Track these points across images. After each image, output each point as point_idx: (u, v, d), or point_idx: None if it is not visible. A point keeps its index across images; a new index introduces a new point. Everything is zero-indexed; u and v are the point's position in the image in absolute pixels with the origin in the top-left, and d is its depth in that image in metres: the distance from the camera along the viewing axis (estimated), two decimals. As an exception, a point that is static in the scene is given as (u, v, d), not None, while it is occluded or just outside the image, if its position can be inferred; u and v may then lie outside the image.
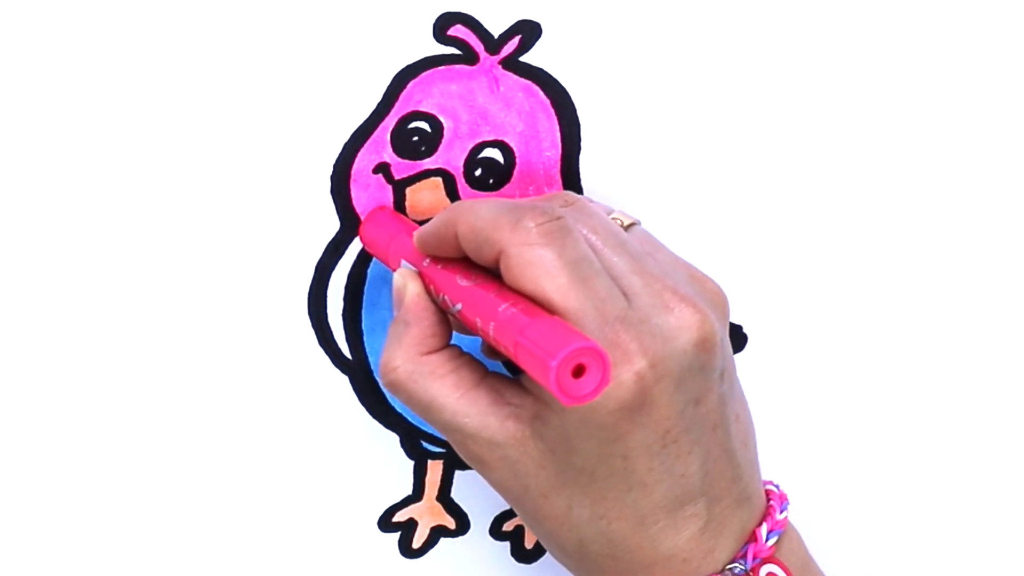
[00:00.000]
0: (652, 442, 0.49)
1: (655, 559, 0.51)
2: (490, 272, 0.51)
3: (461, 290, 0.51)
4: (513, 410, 0.51)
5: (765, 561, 0.51)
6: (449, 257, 0.52)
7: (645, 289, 0.49)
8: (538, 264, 0.48)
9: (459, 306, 0.51)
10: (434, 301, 0.53)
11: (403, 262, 0.54)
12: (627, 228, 0.53)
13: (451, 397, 0.51)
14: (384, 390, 0.60)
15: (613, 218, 0.53)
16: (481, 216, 0.50)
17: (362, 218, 0.58)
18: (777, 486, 0.54)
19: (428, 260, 0.53)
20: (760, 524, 0.52)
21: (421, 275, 0.53)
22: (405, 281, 0.53)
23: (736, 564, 0.51)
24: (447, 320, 0.53)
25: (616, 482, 0.50)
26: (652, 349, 0.48)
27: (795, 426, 0.63)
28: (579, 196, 0.53)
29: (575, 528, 0.51)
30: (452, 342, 0.53)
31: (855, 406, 0.63)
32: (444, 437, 0.53)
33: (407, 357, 0.52)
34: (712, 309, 0.50)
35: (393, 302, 0.54)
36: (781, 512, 0.53)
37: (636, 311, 0.49)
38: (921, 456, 0.64)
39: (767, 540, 0.52)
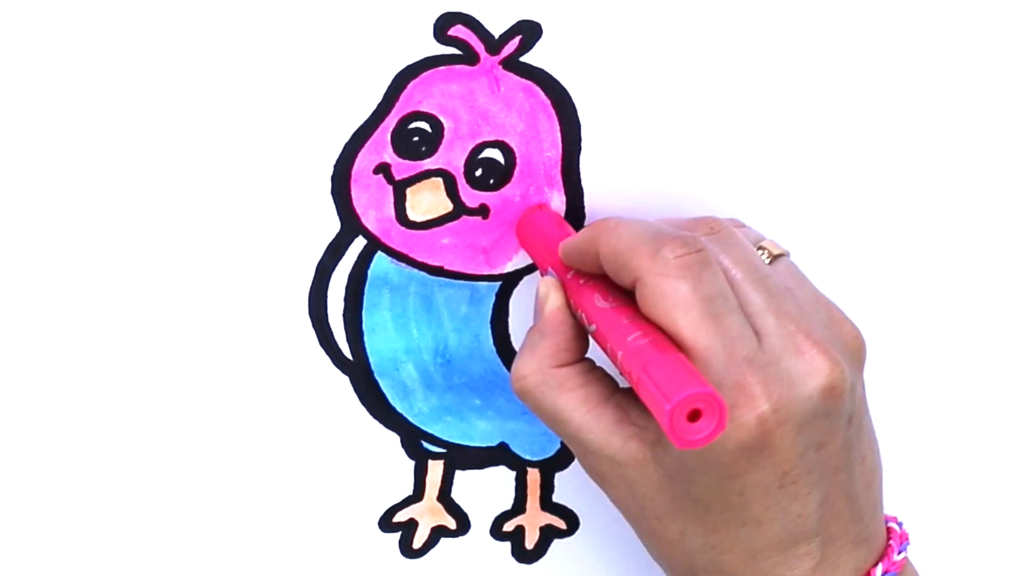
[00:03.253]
0: (770, 483, 0.49)
1: None
2: (629, 295, 0.50)
3: (598, 311, 0.51)
4: (637, 431, 0.51)
5: None
6: (592, 273, 0.52)
7: (778, 330, 0.49)
8: (672, 297, 0.48)
9: (594, 327, 0.51)
10: (573, 315, 0.53)
11: (550, 270, 0.54)
12: (774, 258, 0.53)
13: (577, 412, 0.51)
14: (384, 390, 0.60)
15: (761, 246, 0.53)
16: (623, 239, 0.50)
17: (368, 224, 0.58)
18: (900, 524, 0.54)
19: (572, 272, 0.53)
20: (876, 565, 0.52)
21: (564, 286, 0.53)
22: (548, 291, 0.54)
23: None
24: (584, 334, 0.53)
25: (731, 516, 0.50)
26: (777, 392, 0.48)
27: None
28: (726, 223, 0.53)
29: (687, 554, 0.51)
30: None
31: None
32: (570, 448, 0.53)
33: (538, 368, 0.52)
34: (845, 354, 0.50)
35: (535, 309, 0.54)
36: (899, 552, 0.52)
37: (766, 352, 0.49)
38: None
39: None
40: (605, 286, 0.52)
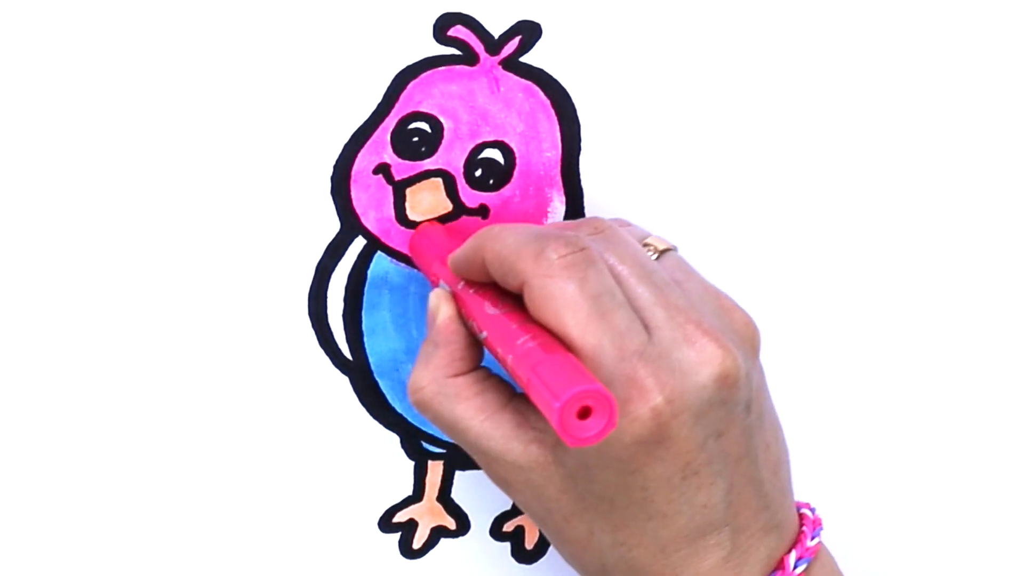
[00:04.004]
0: (672, 474, 0.49)
1: None
2: (519, 300, 0.51)
3: (488, 318, 0.51)
4: (537, 435, 0.51)
5: None
6: (482, 282, 0.52)
7: (667, 322, 0.49)
8: (558, 297, 0.48)
9: (485, 334, 0.51)
10: (465, 324, 0.53)
11: (441, 282, 0.54)
12: (661, 253, 0.53)
13: (475, 420, 0.51)
14: (384, 391, 0.60)
15: (647, 243, 0.53)
16: (507, 244, 0.50)
17: (368, 224, 0.58)
18: (812, 510, 0.54)
19: (463, 283, 0.53)
20: (789, 551, 0.52)
21: (455, 297, 0.53)
22: (439, 302, 0.53)
23: None
24: (478, 343, 0.53)
25: (636, 511, 0.50)
26: (670, 384, 0.48)
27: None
28: (610, 223, 0.53)
29: (597, 553, 0.51)
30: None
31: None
32: (465, 451, 0.53)
33: (433, 378, 0.52)
34: (738, 342, 0.50)
35: (427, 322, 0.54)
36: (812, 538, 0.52)
37: (656, 345, 0.48)
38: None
39: (795, 568, 0.51)
40: (495, 294, 0.52)
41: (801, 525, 0.53)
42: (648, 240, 0.53)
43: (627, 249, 0.51)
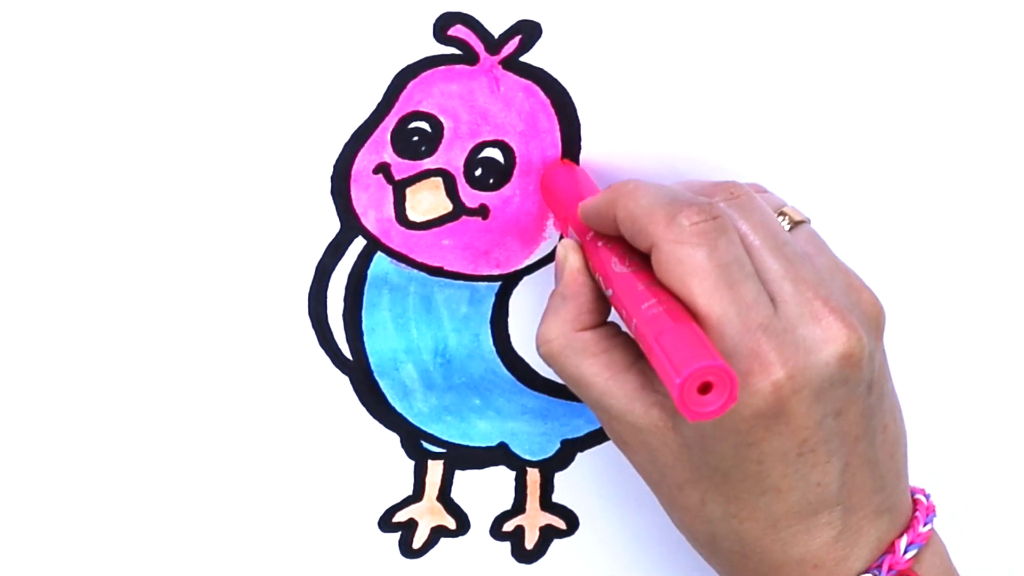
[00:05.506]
0: (788, 450, 0.49)
1: (785, 562, 0.51)
2: (647, 258, 0.50)
3: (614, 275, 0.51)
4: (659, 399, 0.51)
5: (901, 574, 0.51)
6: (611, 236, 0.52)
7: (795, 296, 0.49)
8: (687, 264, 0.48)
9: (611, 291, 0.51)
10: (593, 277, 0.53)
11: (570, 230, 0.54)
12: (795, 225, 0.52)
13: (600, 377, 0.51)
14: (383, 390, 0.60)
15: (783, 212, 0.53)
16: (640, 204, 0.50)
17: (368, 224, 0.58)
18: (927, 496, 0.53)
19: (591, 234, 0.53)
20: (900, 536, 0.51)
21: (584, 248, 0.53)
22: (567, 252, 0.53)
23: (870, 574, 0.51)
24: (604, 297, 0.52)
25: (750, 485, 0.50)
26: (792, 360, 0.48)
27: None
28: (746, 188, 0.52)
29: (707, 522, 0.51)
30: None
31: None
32: (591, 411, 0.53)
33: (561, 331, 0.52)
34: (864, 321, 0.50)
35: (555, 271, 0.54)
36: (925, 524, 0.52)
37: (781, 319, 0.48)
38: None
39: (905, 552, 0.51)
40: (623, 249, 0.51)
41: (915, 510, 0.52)
42: (784, 209, 0.53)
43: (761, 218, 0.51)
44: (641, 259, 0.50)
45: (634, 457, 0.52)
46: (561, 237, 0.55)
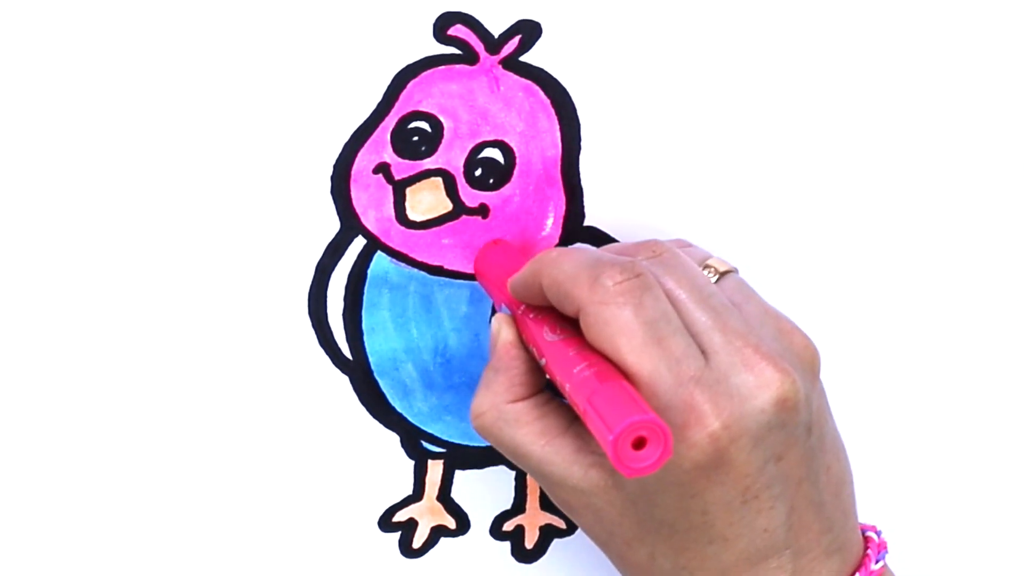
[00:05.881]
0: (732, 499, 0.49)
1: None
2: (577, 325, 0.50)
3: (547, 344, 0.51)
4: (596, 459, 0.51)
5: None
6: (542, 306, 0.52)
7: (725, 346, 0.49)
8: (614, 324, 0.48)
9: (544, 360, 0.51)
10: (526, 349, 0.53)
11: (503, 306, 0.55)
12: (721, 276, 0.53)
13: (536, 444, 0.52)
14: (383, 390, 0.60)
15: (708, 265, 0.53)
16: (563, 270, 0.50)
17: (368, 224, 0.58)
18: (879, 532, 0.54)
19: (523, 307, 0.53)
20: (852, 574, 0.52)
21: (516, 321, 0.53)
22: (500, 326, 0.54)
23: None
24: (539, 368, 0.53)
25: (697, 535, 0.50)
26: (727, 409, 0.48)
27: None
28: (669, 245, 0.52)
29: None
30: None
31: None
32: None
33: (493, 404, 0.52)
34: (797, 365, 0.50)
35: (489, 345, 0.54)
36: (877, 561, 0.52)
37: (713, 370, 0.49)
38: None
39: None
40: (554, 319, 0.52)
41: (866, 548, 0.53)
42: (709, 262, 0.53)
43: (685, 272, 0.51)
44: (572, 326, 0.51)
45: (581, 520, 0.52)
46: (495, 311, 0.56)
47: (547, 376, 0.52)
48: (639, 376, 0.48)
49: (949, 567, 0.64)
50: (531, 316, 0.52)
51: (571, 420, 0.52)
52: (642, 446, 0.45)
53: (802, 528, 0.50)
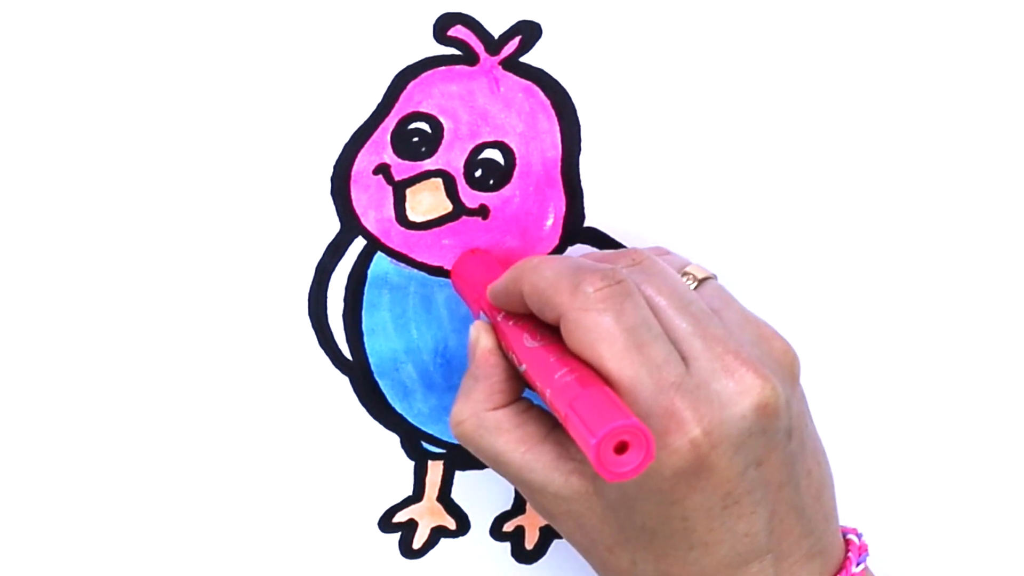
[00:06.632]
0: (712, 504, 0.49)
1: None
2: (557, 332, 0.51)
3: (526, 351, 0.51)
4: (577, 466, 0.51)
5: None
6: (521, 313, 0.52)
7: (705, 353, 0.49)
8: (594, 330, 0.49)
9: (524, 366, 0.51)
10: (505, 356, 0.53)
11: (481, 314, 0.55)
12: (699, 283, 0.53)
13: (516, 452, 0.52)
14: (384, 391, 0.60)
15: (687, 272, 0.53)
16: (544, 277, 0.50)
17: (368, 225, 0.58)
18: (859, 535, 0.54)
19: (502, 314, 0.53)
20: None
21: (496, 328, 0.53)
22: (478, 334, 0.54)
23: None
24: (518, 375, 0.53)
25: (677, 541, 0.50)
26: (708, 416, 0.48)
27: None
28: (648, 253, 0.53)
29: None
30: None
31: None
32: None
33: (473, 412, 0.53)
34: (777, 370, 0.50)
35: (468, 354, 0.54)
36: (857, 564, 0.52)
37: (693, 376, 0.49)
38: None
39: None
40: (534, 326, 0.52)
41: (847, 551, 0.53)
42: (688, 269, 0.53)
43: (665, 280, 0.51)
44: (551, 333, 0.51)
45: (562, 527, 0.52)
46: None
47: (526, 383, 0.52)
48: (620, 382, 0.48)
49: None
50: (510, 323, 0.53)
51: (551, 427, 0.52)
52: (624, 451, 0.45)
53: (783, 532, 0.50)
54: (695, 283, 0.53)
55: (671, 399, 0.48)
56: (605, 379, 0.48)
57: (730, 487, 0.49)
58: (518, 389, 0.53)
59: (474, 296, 0.56)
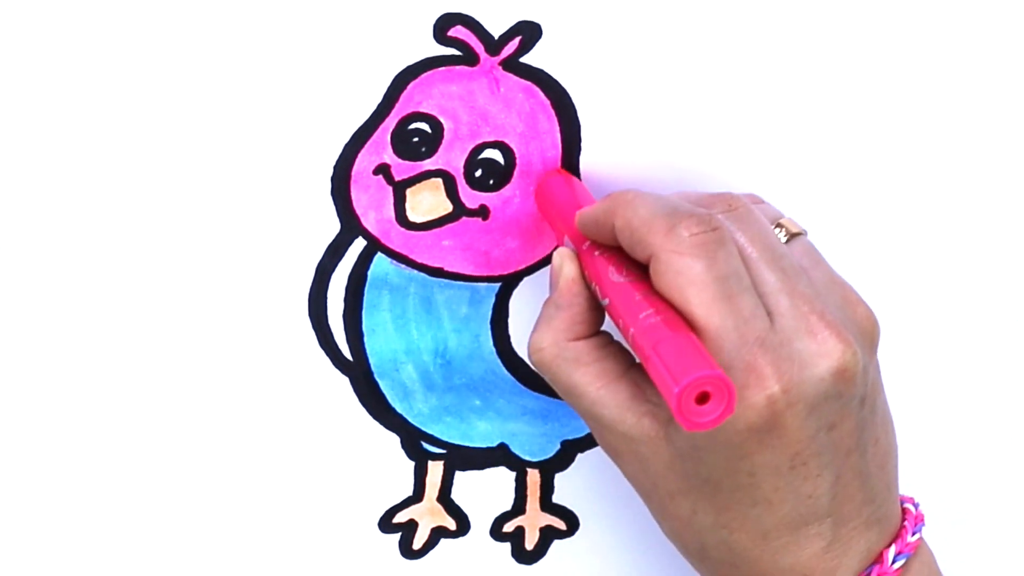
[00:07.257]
0: (780, 463, 0.49)
1: (774, 572, 0.51)
2: (644, 269, 0.50)
3: (612, 285, 0.51)
4: (651, 408, 0.51)
5: None
6: (608, 245, 0.52)
7: (791, 310, 0.49)
8: (686, 275, 0.48)
9: (607, 301, 0.51)
10: (588, 286, 0.52)
11: (566, 239, 0.54)
12: (791, 237, 0.53)
13: (592, 386, 0.51)
14: (384, 391, 0.60)
15: (780, 224, 0.53)
16: (639, 214, 0.50)
17: (368, 225, 0.58)
18: (916, 505, 0.54)
19: (588, 243, 0.53)
20: (888, 546, 0.52)
21: (580, 256, 0.53)
22: (562, 261, 0.53)
23: None
24: (599, 307, 0.52)
25: (741, 496, 0.50)
26: (788, 374, 0.48)
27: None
28: (744, 200, 0.52)
29: (697, 532, 0.51)
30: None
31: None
32: (584, 422, 0.53)
33: (554, 340, 0.52)
34: (858, 336, 0.50)
35: (550, 280, 0.54)
36: (913, 533, 0.52)
37: (778, 333, 0.49)
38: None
39: (893, 562, 0.51)
40: (620, 259, 0.51)
41: (903, 520, 0.53)
42: (781, 221, 0.53)
43: (758, 231, 0.51)
44: (638, 269, 0.50)
45: (625, 467, 0.52)
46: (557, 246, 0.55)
47: (607, 316, 0.52)
48: (706, 330, 0.48)
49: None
50: (596, 254, 0.52)
51: (628, 365, 0.52)
52: (704, 401, 0.45)
53: (846, 498, 0.50)
54: (787, 237, 0.53)
55: (753, 353, 0.48)
56: (690, 325, 0.48)
57: (799, 447, 0.49)
58: (599, 321, 0.53)
59: (558, 220, 0.55)
